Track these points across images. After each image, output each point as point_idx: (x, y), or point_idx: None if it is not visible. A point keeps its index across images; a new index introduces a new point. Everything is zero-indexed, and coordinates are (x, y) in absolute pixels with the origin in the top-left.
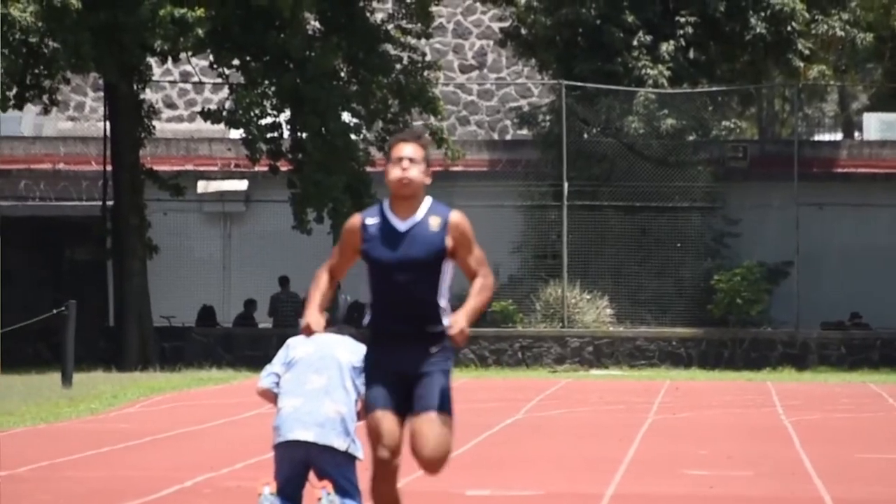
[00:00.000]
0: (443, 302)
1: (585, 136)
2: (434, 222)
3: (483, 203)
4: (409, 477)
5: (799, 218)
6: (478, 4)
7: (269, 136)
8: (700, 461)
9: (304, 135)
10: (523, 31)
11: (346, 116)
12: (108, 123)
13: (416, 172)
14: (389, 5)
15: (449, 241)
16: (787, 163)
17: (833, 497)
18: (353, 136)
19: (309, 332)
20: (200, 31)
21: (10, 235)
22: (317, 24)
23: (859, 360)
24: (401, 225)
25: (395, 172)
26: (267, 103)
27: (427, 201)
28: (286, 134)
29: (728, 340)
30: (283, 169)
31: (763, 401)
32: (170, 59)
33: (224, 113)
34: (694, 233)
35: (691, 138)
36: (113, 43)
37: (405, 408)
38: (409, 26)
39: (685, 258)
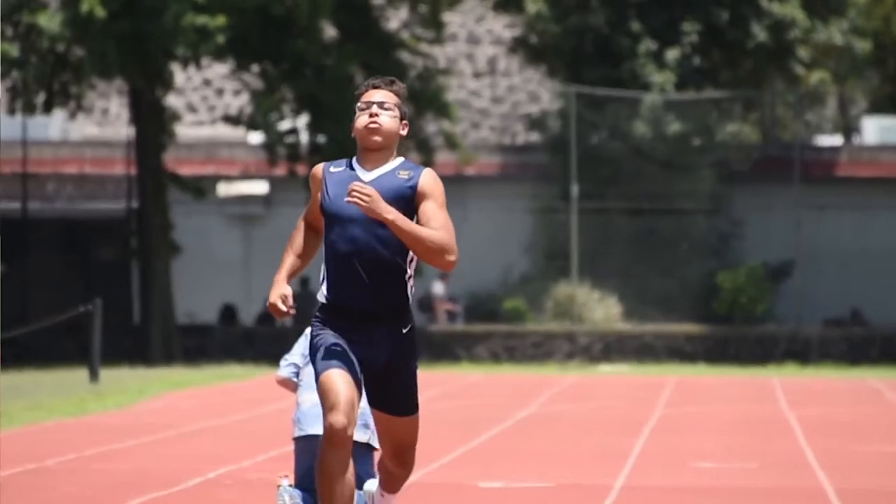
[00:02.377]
0: (410, 268)
1: (594, 140)
2: (404, 174)
3: (495, 205)
4: (423, 470)
5: (800, 219)
6: (489, 13)
7: (287, 140)
8: (706, 454)
9: (322, 139)
10: (533, 39)
11: None
12: (132, 128)
13: (386, 119)
14: (404, 13)
15: (417, 194)
16: (788, 166)
17: (835, 488)
18: None
19: (277, 313)
20: (221, 39)
21: (38, 236)
22: (334, 31)
23: (860, 356)
24: (366, 174)
25: (362, 119)
26: (285, 108)
27: (399, 159)
28: (304, 138)
29: (733, 337)
30: (302, 172)
31: (767, 395)
32: (192, 65)
33: (243, 117)
34: (699, 234)
35: (696, 142)
36: (137, 50)
37: (358, 375)
38: (423, 34)
39: (691, 258)
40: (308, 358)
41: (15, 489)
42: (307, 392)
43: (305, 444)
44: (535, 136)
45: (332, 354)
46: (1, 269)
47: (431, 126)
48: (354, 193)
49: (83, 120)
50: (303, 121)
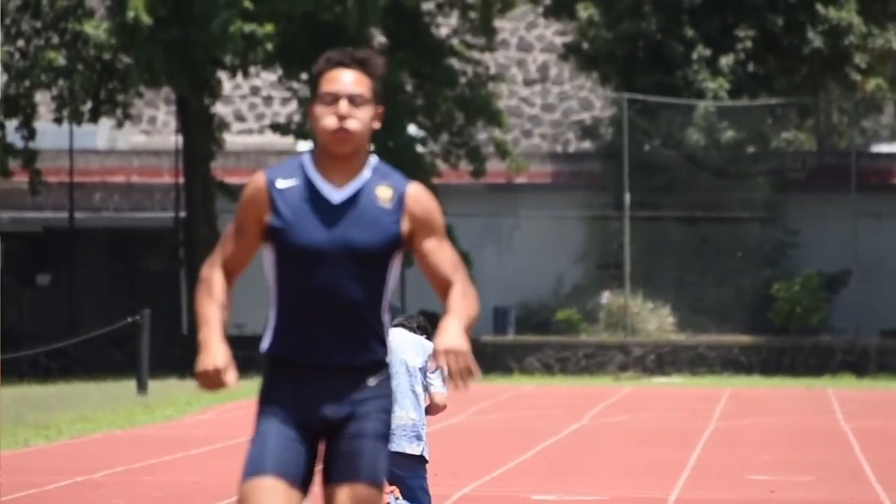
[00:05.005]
0: (384, 315)
1: (646, 147)
2: (384, 194)
3: (546, 214)
4: (475, 482)
5: (857, 228)
6: (540, 19)
7: None
8: (761, 466)
9: (371, 147)
10: (585, 46)
11: (412, 129)
12: (180, 137)
13: (358, 123)
14: (454, 20)
15: (405, 225)
16: (844, 174)
17: (893, 502)
18: (419, 149)
19: (212, 384)
20: (269, 46)
21: (85, 246)
22: (383, 38)
23: None
24: (334, 194)
25: (328, 120)
26: None
27: (371, 161)
28: None
29: (788, 348)
30: None
31: (823, 407)
32: (240, 73)
33: (292, 126)
34: (754, 243)
35: (751, 150)
36: (184, 58)
37: (309, 475)
38: (473, 41)
39: (745, 267)
40: None
41: (64, 502)
42: None
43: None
44: (587, 144)
45: (270, 451)
46: (48, 280)
47: (482, 134)
48: (458, 372)
49: (130, 129)
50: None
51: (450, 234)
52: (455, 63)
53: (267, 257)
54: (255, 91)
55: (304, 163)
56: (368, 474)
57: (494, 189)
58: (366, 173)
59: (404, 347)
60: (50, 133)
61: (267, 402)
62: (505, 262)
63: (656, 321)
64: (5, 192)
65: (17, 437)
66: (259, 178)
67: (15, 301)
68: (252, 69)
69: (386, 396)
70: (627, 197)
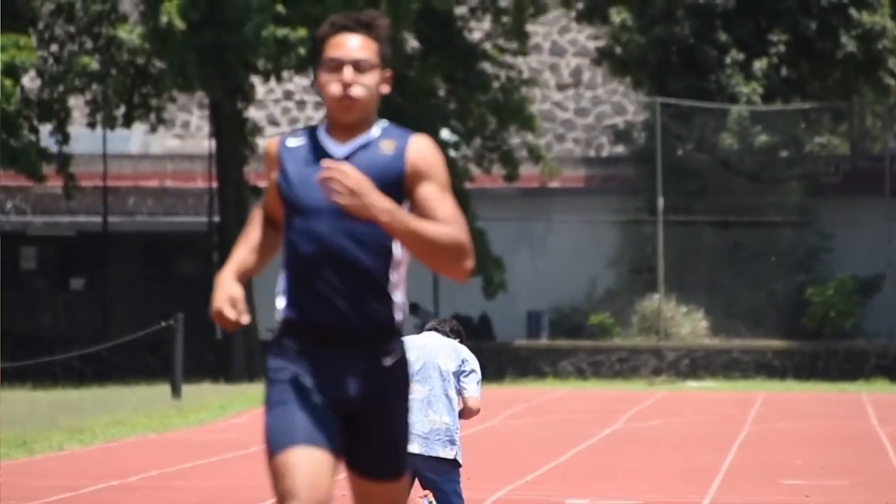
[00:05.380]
0: (394, 275)
1: (680, 152)
2: (387, 145)
3: (579, 218)
4: (509, 486)
5: (891, 232)
6: (573, 24)
7: None
8: (796, 471)
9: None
10: (618, 50)
11: (444, 133)
12: (213, 141)
13: (364, 89)
14: (487, 25)
15: (408, 172)
16: (878, 178)
17: None
18: (451, 153)
19: (224, 322)
20: (302, 51)
21: (118, 251)
22: (416, 43)
23: None
24: (337, 149)
25: (333, 87)
26: None
27: (379, 124)
28: None
29: (822, 352)
30: None
31: (857, 412)
32: (273, 77)
33: None
34: (787, 247)
35: (784, 154)
36: (218, 63)
37: (337, 446)
38: (506, 45)
39: (779, 272)
40: None
41: None
42: None
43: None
44: (620, 149)
45: (298, 421)
46: (82, 284)
47: (515, 138)
48: (332, 182)
49: (163, 133)
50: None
51: (483, 239)
52: (488, 67)
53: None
54: (287, 95)
55: (316, 128)
56: (403, 468)
57: (527, 193)
58: (374, 132)
59: (437, 352)
60: (84, 138)
61: (283, 370)
62: (538, 266)
63: (690, 325)
64: (39, 197)
65: (52, 441)
66: (273, 140)
67: (49, 305)
68: (285, 73)
69: (404, 378)
70: (661, 201)
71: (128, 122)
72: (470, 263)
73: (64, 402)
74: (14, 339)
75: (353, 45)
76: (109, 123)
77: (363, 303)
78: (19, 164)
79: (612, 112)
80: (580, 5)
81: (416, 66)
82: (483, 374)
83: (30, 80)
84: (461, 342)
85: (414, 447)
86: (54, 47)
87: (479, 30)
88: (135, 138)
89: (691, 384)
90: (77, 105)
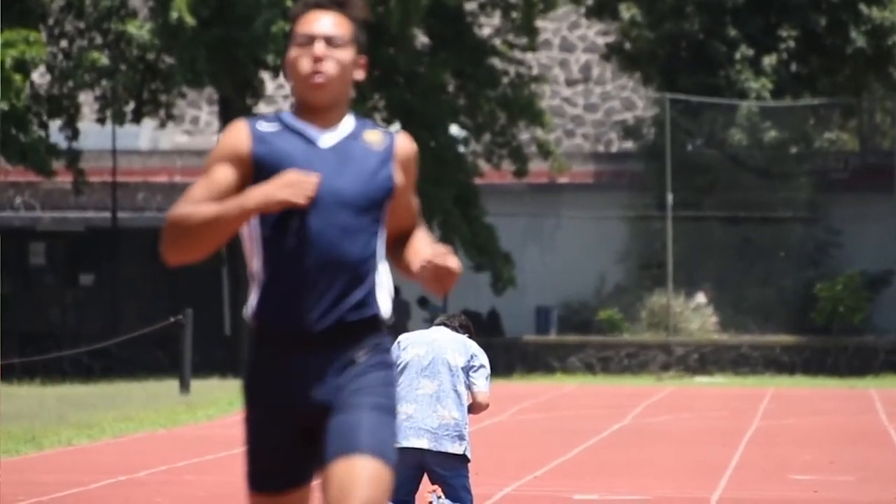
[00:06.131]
0: (380, 272)
1: (689, 147)
2: (374, 138)
3: (588, 214)
4: (518, 482)
5: None
6: (583, 19)
7: None
8: (804, 466)
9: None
10: (627, 46)
11: (454, 129)
12: None
13: (336, 65)
14: (496, 20)
15: (397, 174)
16: (888, 174)
17: None
18: (461, 149)
19: (301, 185)
20: None
21: (128, 246)
22: (425, 39)
23: None
24: (320, 137)
25: (303, 63)
26: (377, 116)
27: (351, 114)
28: None
29: (831, 348)
30: None
31: (866, 407)
32: (282, 73)
33: None
34: (796, 243)
35: (793, 150)
36: (227, 58)
37: (311, 470)
38: (516, 41)
39: (788, 267)
40: (399, 365)
41: (107, 500)
42: (401, 404)
43: (399, 456)
44: (629, 144)
45: (263, 466)
46: (91, 280)
47: (524, 134)
48: (440, 270)
49: (173, 129)
50: (394, 129)
51: (492, 234)
52: (497, 63)
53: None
54: None
55: (282, 116)
56: (369, 445)
57: (537, 189)
58: (348, 120)
59: (446, 347)
60: (93, 133)
61: (253, 391)
62: (547, 261)
63: (698, 321)
64: (48, 192)
65: (61, 437)
66: (239, 123)
67: (58, 301)
68: None
69: (384, 367)
70: (670, 197)
71: (137, 117)
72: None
73: (72, 398)
74: (23, 334)
75: (325, 20)
76: (119, 119)
77: (347, 299)
78: (28, 160)
79: (621, 108)
80: (589, 1)
81: (425, 62)
82: (492, 370)
83: (39, 76)
84: (470, 337)
85: (423, 442)
86: (64, 43)
87: (488, 25)
88: (144, 134)
89: (700, 380)
90: (86, 101)
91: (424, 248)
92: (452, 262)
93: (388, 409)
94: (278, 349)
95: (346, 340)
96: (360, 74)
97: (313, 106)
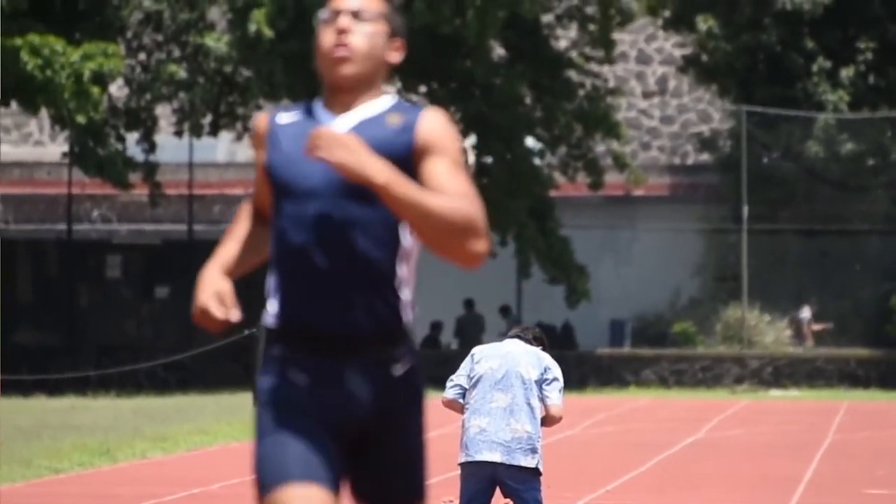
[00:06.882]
0: (402, 269)
1: (765, 160)
2: (395, 119)
3: (664, 226)
4: (591, 495)
5: None
6: (660, 31)
7: None
8: (878, 481)
9: (489, 159)
10: (704, 58)
11: (530, 141)
12: None
13: (363, 38)
14: (573, 32)
15: (416, 146)
16: None
17: None
18: (536, 161)
19: (207, 321)
20: None
21: (204, 259)
22: (502, 51)
23: None
24: (335, 121)
25: (325, 38)
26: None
27: (388, 98)
28: (471, 159)
29: None
30: None
31: None
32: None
33: None
34: (873, 255)
35: (871, 162)
36: (304, 71)
37: (338, 479)
38: (592, 53)
39: (864, 280)
40: (471, 381)
41: None
42: (474, 417)
43: (471, 470)
44: (705, 157)
45: (295, 454)
46: (167, 292)
47: (600, 146)
48: (317, 140)
49: (250, 142)
50: (470, 141)
51: (567, 247)
52: (574, 75)
53: (272, 209)
54: None
55: (312, 102)
56: (421, 491)
57: (612, 201)
58: (377, 104)
59: (520, 360)
60: (170, 146)
61: (276, 390)
62: (622, 274)
63: (773, 334)
64: (125, 205)
65: (135, 449)
66: (262, 115)
67: (133, 313)
68: None
69: (417, 387)
70: (745, 209)
71: (214, 130)
72: (481, 245)
73: (147, 410)
74: (99, 346)
75: None
76: (196, 132)
77: (366, 301)
78: (106, 173)
79: (697, 120)
80: (667, 13)
81: (502, 74)
82: (565, 383)
83: (117, 89)
84: (543, 350)
85: (496, 455)
86: (142, 56)
87: (565, 38)
88: (221, 147)
89: (774, 393)
90: (164, 114)
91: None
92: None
93: (424, 443)
94: (300, 350)
95: (373, 349)
96: (394, 57)
97: (338, 85)
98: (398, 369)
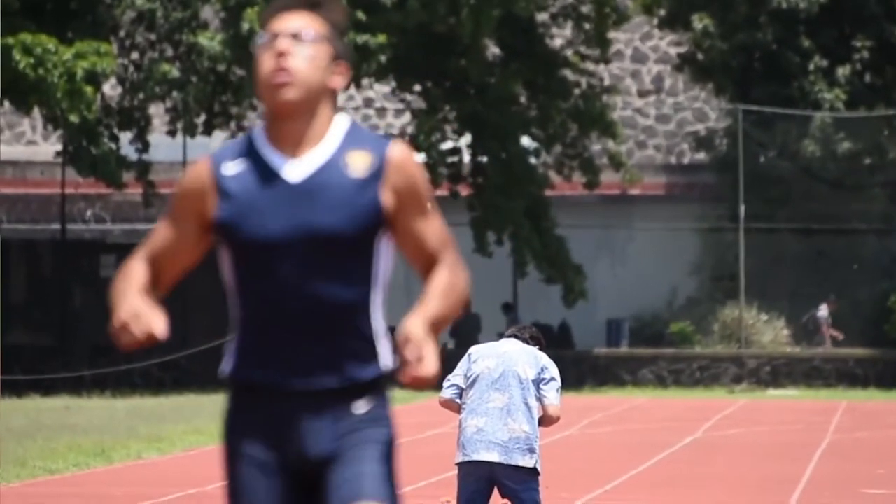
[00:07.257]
0: (376, 318)
1: (762, 159)
2: (358, 161)
3: (660, 226)
4: (589, 495)
5: None
6: (655, 30)
7: (449, 160)
8: (877, 480)
9: (485, 159)
10: (700, 56)
11: (525, 140)
12: None
13: (305, 62)
14: (568, 31)
15: (386, 197)
16: None
17: None
18: (532, 160)
19: (136, 330)
20: (383, 58)
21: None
22: (497, 50)
23: None
24: (289, 167)
25: (265, 63)
26: (448, 128)
27: (340, 124)
28: (466, 158)
29: None
30: (464, 193)
31: None
32: (353, 85)
33: (406, 138)
34: (870, 255)
35: (867, 161)
36: None
37: None
38: (588, 52)
39: (862, 280)
40: (468, 381)
41: None
42: (471, 417)
43: (469, 470)
44: (701, 156)
45: None
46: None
47: (596, 145)
48: (409, 366)
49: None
50: (465, 140)
51: (563, 246)
52: (569, 74)
53: (222, 259)
54: (368, 103)
55: (253, 138)
56: (373, 493)
57: (608, 201)
58: (332, 138)
59: (517, 359)
60: (163, 145)
61: (236, 441)
62: (619, 274)
63: (771, 333)
64: (119, 205)
65: (131, 449)
66: (202, 165)
67: None
68: (365, 80)
69: (382, 424)
70: (742, 208)
71: (208, 129)
72: (466, 282)
73: (142, 411)
74: (93, 346)
75: (294, 18)
76: (190, 131)
77: (338, 360)
78: (99, 172)
79: (693, 119)
80: (662, 12)
81: (496, 73)
82: (562, 382)
83: (110, 88)
84: (541, 349)
85: (493, 455)
86: (135, 55)
87: (560, 37)
88: (214, 146)
89: (773, 392)
90: (157, 113)
91: (415, 320)
92: (424, 368)
93: (388, 464)
94: (264, 405)
95: (342, 397)
96: (339, 81)
97: (280, 112)
98: (361, 408)
